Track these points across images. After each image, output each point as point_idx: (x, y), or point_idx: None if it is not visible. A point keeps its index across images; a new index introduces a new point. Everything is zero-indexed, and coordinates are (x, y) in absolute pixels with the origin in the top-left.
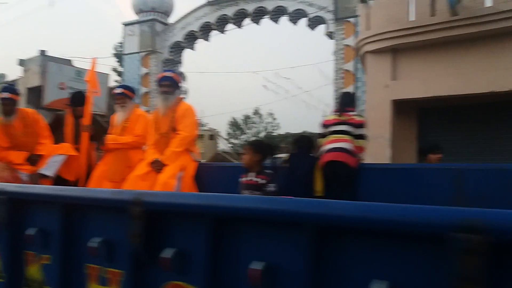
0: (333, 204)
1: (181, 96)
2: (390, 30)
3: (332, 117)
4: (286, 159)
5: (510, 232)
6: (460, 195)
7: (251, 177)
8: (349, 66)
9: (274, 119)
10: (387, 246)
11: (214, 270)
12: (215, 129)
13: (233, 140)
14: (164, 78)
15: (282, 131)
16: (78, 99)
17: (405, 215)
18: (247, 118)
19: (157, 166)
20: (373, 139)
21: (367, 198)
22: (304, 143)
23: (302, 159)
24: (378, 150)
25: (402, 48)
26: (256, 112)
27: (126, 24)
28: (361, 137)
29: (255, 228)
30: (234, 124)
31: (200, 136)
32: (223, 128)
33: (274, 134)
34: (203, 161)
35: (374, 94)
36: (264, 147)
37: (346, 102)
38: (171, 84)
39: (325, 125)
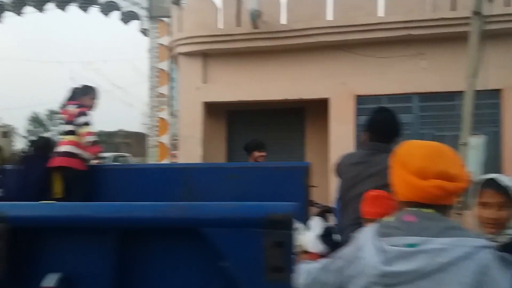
0: None
1: None
2: (200, 35)
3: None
4: (19, 162)
5: (21, 220)
6: (189, 190)
7: None
8: (164, 65)
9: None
10: None
11: None
12: (10, 125)
13: (33, 138)
14: None
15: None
16: None
17: None
18: (52, 113)
19: None
20: (186, 138)
21: (107, 198)
22: (39, 145)
23: (37, 162)
24: (190, 149)
25: (212, 53)
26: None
27: None
28: (82, 127)
29: None
30: (36, 120)
31: None
32: (21, 124)
33: None
34: None
35: (186, 96)
36: None
37: (69, 96)
38: None
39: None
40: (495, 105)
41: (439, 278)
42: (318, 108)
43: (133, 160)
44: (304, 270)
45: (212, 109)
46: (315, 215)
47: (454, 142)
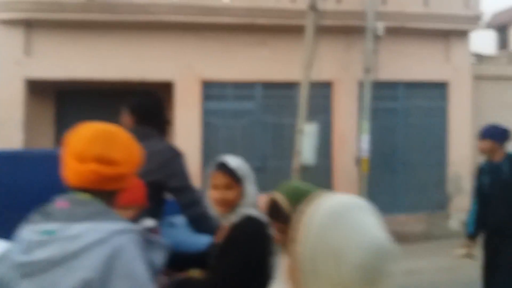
0: None
1: None
2: (22, 0)
3: None
4: None
5: None
6: None
7: None
8: None
9: None
10: None
11: None
12: None
13: None
14: None
15: None
16: None
17: None
18: None
19: None
20: (3, 121)
21: None
22: None
23: None
24: (8, 135)
25: (37, 23)
26: None
27: None
28: None
29: None
30: None
31: None
32: None
33: None
34: None
35: (4, 70)
36: None
37: None
38: None
39: None
40: (327, 96)
41: (72, 265)
42: (163, 92)
43: None
44: None
45: (37, 88)
46: None
47: (292, 129)
